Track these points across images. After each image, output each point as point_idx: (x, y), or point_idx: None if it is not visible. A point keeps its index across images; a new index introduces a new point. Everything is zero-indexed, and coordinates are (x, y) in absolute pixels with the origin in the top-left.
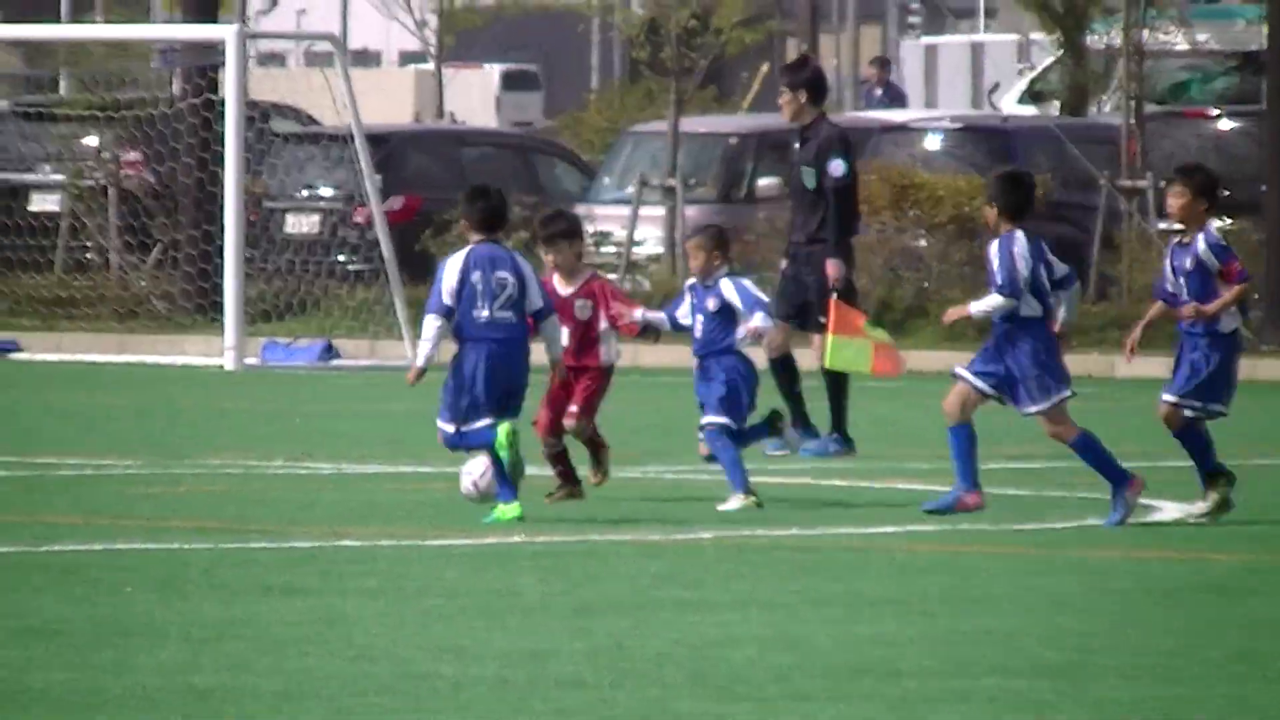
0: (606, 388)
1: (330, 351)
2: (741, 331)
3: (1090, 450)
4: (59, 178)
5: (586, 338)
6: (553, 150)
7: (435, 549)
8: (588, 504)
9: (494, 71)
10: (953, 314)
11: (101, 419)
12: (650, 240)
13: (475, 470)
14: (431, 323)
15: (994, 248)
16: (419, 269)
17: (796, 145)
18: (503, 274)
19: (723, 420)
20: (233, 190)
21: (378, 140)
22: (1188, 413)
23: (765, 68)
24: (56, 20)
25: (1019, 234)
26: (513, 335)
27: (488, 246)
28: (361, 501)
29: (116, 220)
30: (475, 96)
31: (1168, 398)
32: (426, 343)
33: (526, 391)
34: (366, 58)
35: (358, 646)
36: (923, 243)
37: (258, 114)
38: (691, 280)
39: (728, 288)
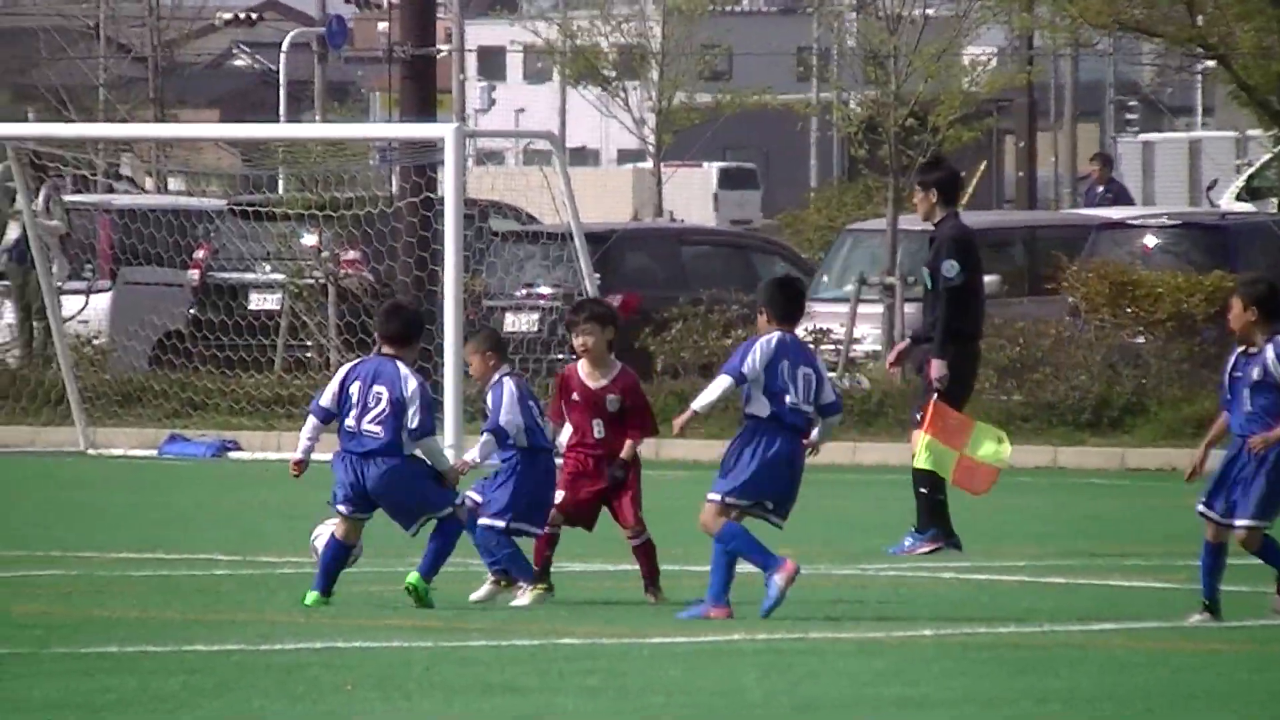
0: (638, 478)
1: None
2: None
3: None
4: (278, 276)
5: (618, 428)
6: (772, 248)
7: (655, 646)
8: (807, 602)
9: (712, 169)
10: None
11: (320, 518)
12: (869, 338)
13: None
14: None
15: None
16: (638, 367)
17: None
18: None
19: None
20: (451, 288)
21: (596, 238)
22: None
23: (983, 166)
24: (275, 120)
25: (777, 335)
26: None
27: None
28: (582, 599)
29: (335, 318)
30: (694, 194)
31: (1246, 523)
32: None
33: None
34: (585, 156)
35: None
36: (1141, 340)
37: (476, 212)
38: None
39: (503, 389)
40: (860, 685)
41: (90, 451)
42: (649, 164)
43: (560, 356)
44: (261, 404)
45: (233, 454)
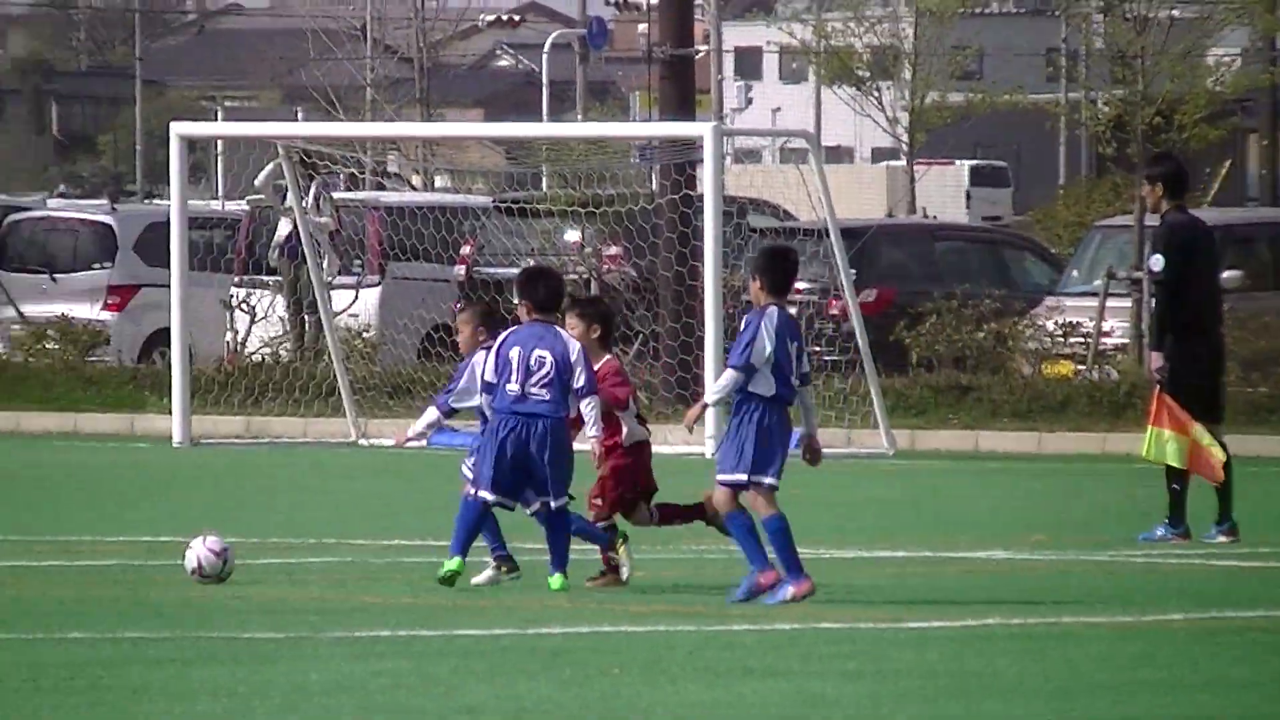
0: (638, 466)
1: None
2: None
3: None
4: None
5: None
6: (1023, 244)
7: (913, 631)
8: (1057, 585)
9: (964, 167)
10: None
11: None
12: (1118, 331)
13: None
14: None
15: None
16: (893, 360)
17: None
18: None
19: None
20: (712, 283)
21: (852, 234)
22: None
23: (1228, 164)
24: (538, 119)
25: (775, 312)
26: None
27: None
28: (840, 584)
29: None
30: (946, 192)
31: None
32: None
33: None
34: (839, 154)
35: None
36: None
37: (735, 209)
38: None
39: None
40: (1114, 669)
41: (361, 442)
42: (902, 162)
43: (816, 350)
44: None
45: None
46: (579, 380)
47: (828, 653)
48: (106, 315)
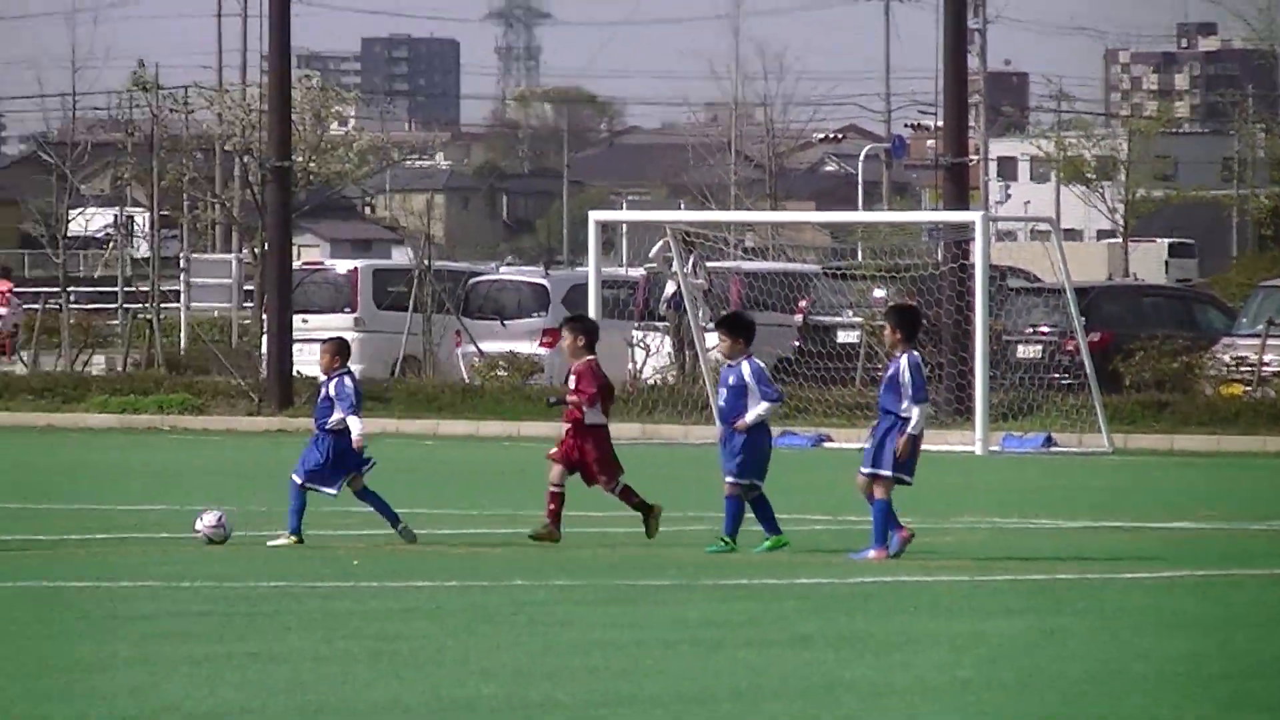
0: (600, 444)
1: (1050, 441)
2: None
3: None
4: (857, 319)
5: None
6: (1206, 300)
7: (1126, 579)
8: (1227, 548)
9: (1163, 244)
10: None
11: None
12: (1275, 363)
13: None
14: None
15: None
16: (1111, 383)
17: None
18: None
19: None
20: (980, 328)
21: (1082, 292)
22: None
23: None
24: (854, 209)
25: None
26: None
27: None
28: (1070, 546)
29: None
30: (1150, 262)
31: None
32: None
33: None
34: (1073, 234)
35: None
36: None
37: (997, 274)
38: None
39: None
40: (1267, 609)
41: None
42: (1119, 240)
43: (1056, 375)
44: (846, 409)
45: (826, 444)
46: (755, 392)
47: (1064, 596)
48: (542, 351)
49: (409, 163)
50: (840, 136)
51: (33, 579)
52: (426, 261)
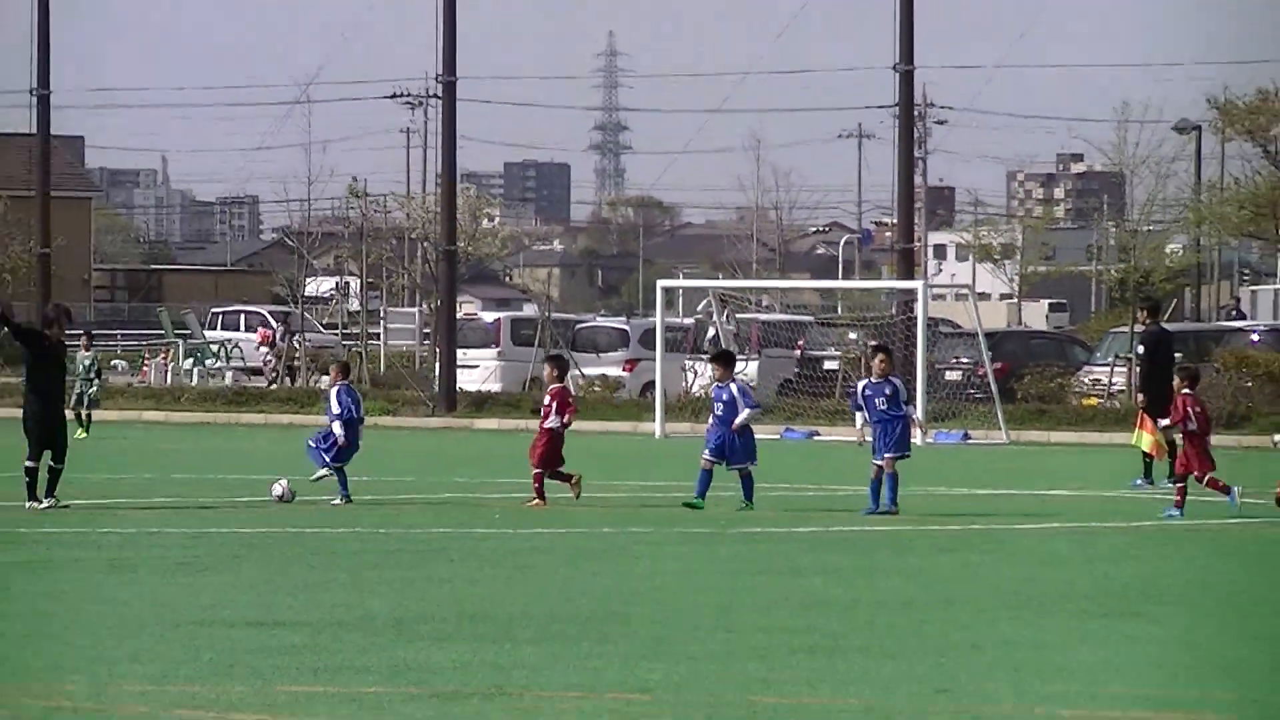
0: (550, 441)
1: (967, 436)
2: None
3: None
4: (835, 352)
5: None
6: (1074, 341)
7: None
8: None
9: (1045, 303)
10: None
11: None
12: (1119, 383)
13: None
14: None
15: None
16: (1008, 396)
17: None
18: None
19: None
20: (920, 359)
21: (989, 335)
22: None
23: (1174, 300)
24: (836, 279)
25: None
26: None
27: None
28: (983, 506)
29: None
30: (1037, 315)
31: None
32: None
33: None
34: (984, 296)
35: None
36: None
37: (932, 323)
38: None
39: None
40: None
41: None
42: (1015, 300)
43: (971, 391)
44: (829, 414)
45: (816, 438)
46: (741, 404)
47: (977, 541)
48: (624, 373)
49: (535, 247)
50: (827, 229)
51: (296, 527)
52: (547, 313)
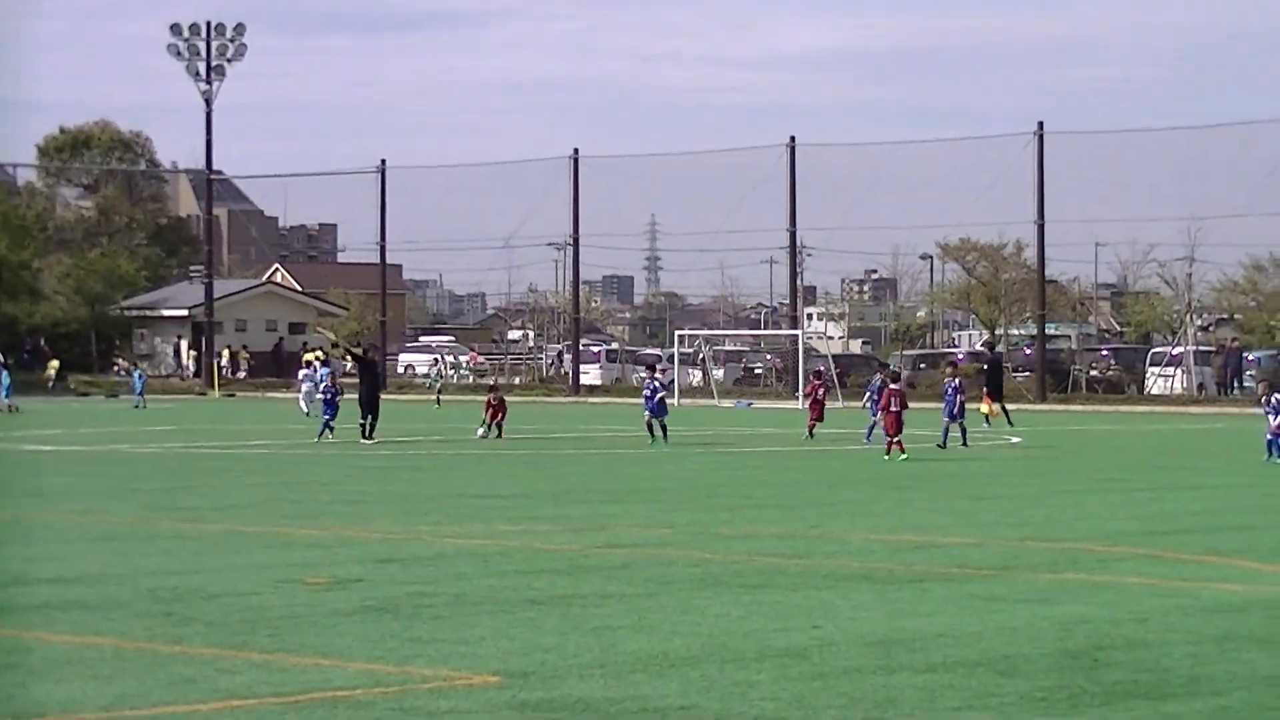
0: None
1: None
2: None
3: None
4: (760, 365)
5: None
6: (877, 363)
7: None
8: None
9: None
10: None
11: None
12: None
13: None
14: None
15: None
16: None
17: None
18: None
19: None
20: (801, 369)
21: (835, 356)
22: None
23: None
24: (761, 329)
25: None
26: None
27: None
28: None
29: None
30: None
31: None
32: None
33: None
34: (830, 337)
35: None
36: None
37: (809, 350)
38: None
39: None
40: None
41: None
42: (845, 339)
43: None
44: (756, 394)
45: (751, 405)
46: (659, 391)
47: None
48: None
49: (616, 314)
50: (758, 305)
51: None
52: (622, 348)
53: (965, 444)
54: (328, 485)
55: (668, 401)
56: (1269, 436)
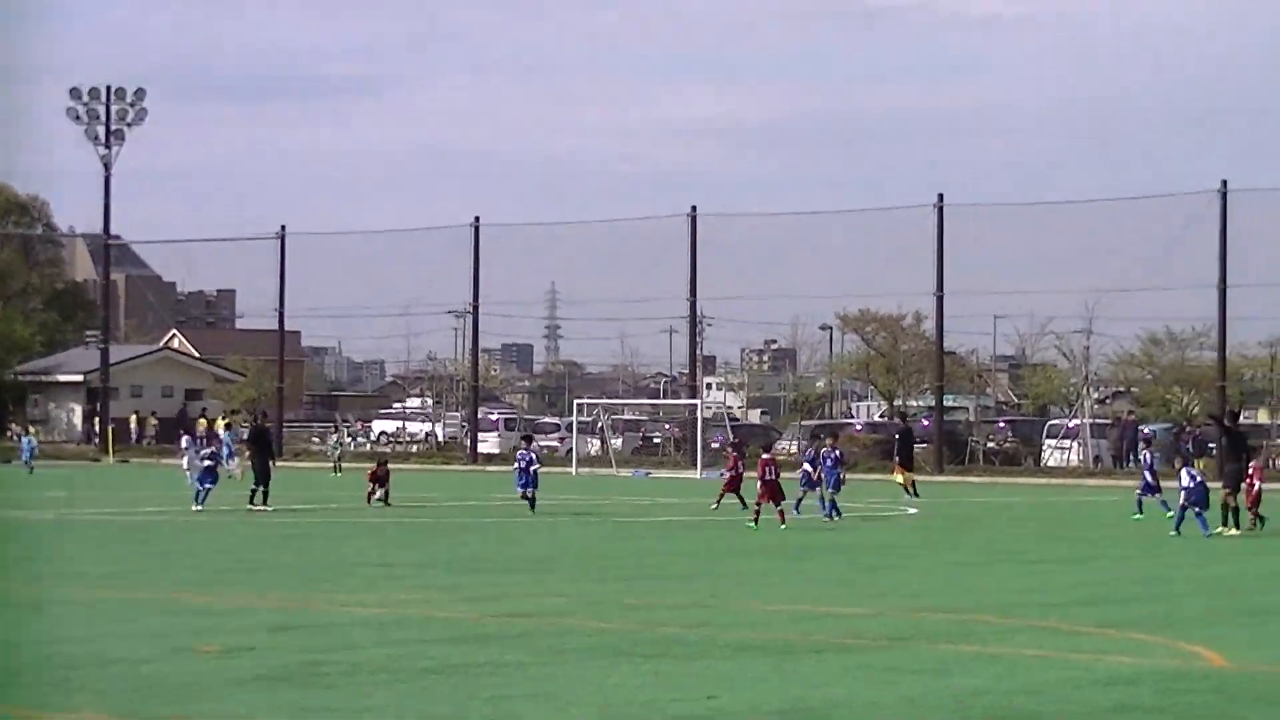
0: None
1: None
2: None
3: None
4: (659, 435)
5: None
6: (770, 429)
7: None
8: None
9: (757, 412)
10: None
11: None
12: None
13: None
14: None
15: None
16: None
17: None
18: None
19: None
20: (699, 437)
21: (737, 427)
22: None
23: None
24: (660, 398)
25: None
26: None
27: None
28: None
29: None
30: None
31: None
32: None
33: None
34: (728, 406)
35: None
36: None
37: (708, 419)
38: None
39: None
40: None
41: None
42: (745, 408)
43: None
44: (655, 464)
45: (649, 475)
46: (534, 463)
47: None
48: (558, 444)
49: (515, 383)
50: (656, 375)
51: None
52: (520, 417)
53: (835, 517)
54: (222, 552)
55: (539, 473)
56: (1180, 506)
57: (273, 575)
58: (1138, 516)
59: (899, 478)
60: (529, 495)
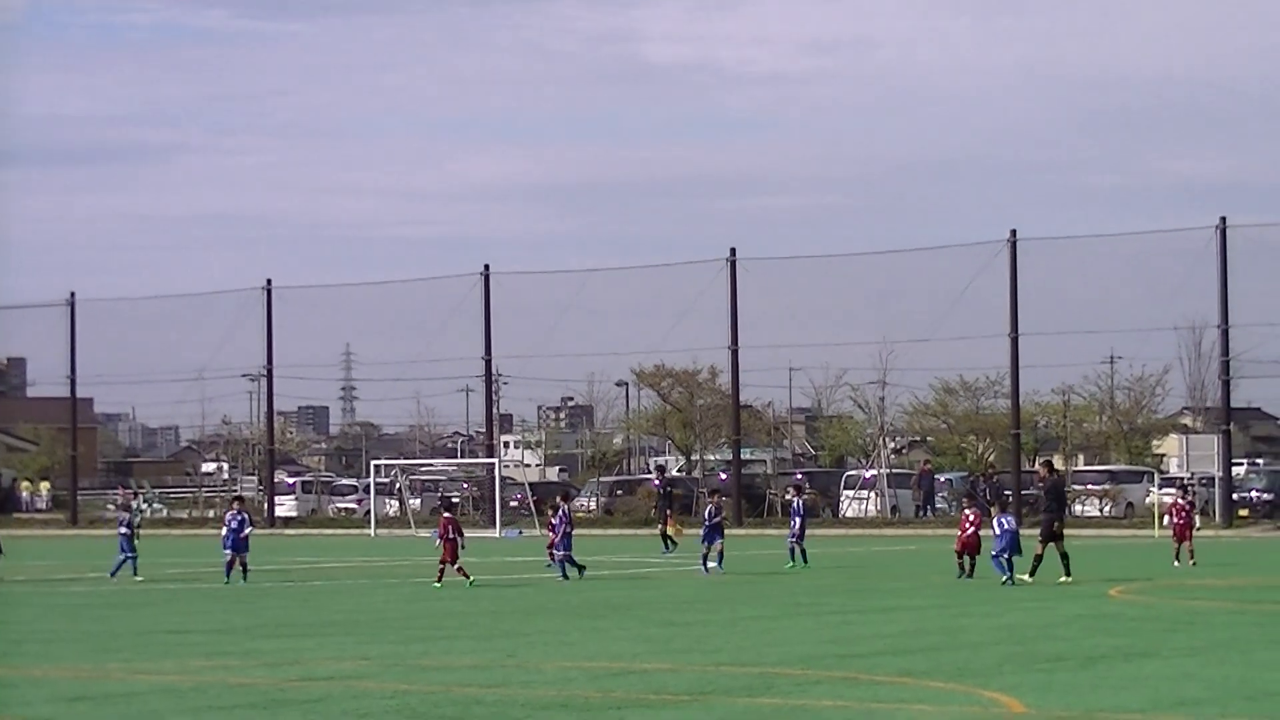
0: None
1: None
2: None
3: None
4: (458, 494)
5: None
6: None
7: None
8: None
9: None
10: None
11: None
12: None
13: None
14: None
15: None
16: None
17: None
18: None
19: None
20: (497, 496)
21: (531, 484)
22: None
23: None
24: (459, 457)
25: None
26: None
27: None
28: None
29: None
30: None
31: None
32: None
33: None
34: (527, 465)
35: None
36: None
37: (506, 479)
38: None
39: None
40: None
41: None
42: (543, 466)
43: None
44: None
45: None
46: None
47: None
48: (356, 505)
49: (311, 445)
50: (454, 434)
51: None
52: (318, 479)
53: (567, 578)
54: (16, 624)
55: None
56: (993, 553)
57: (69, 646)
58: (790, 565)
59: (671, 529)
60: (240, 560)
